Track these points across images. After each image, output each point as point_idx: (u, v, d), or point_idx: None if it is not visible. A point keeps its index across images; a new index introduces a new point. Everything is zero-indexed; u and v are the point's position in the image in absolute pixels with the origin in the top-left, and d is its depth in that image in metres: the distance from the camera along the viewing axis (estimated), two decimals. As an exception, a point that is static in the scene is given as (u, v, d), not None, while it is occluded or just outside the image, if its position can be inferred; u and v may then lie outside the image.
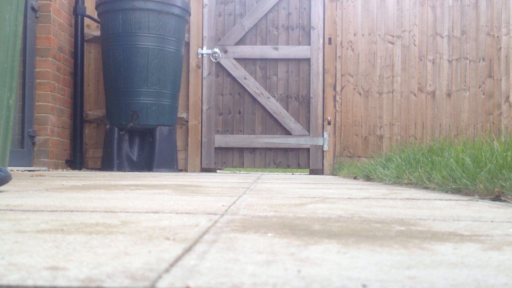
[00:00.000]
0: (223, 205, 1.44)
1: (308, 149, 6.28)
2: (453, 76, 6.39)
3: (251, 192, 2.09)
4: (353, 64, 6.40)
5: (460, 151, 2.73)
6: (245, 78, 6.20)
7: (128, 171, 5.43)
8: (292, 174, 6.72)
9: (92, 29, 6.23)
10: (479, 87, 6.37)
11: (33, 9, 5.32)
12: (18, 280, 0.54)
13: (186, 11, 5.80)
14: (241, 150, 6.24)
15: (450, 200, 1.81)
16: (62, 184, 2.49)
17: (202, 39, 6.22)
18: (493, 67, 6.36)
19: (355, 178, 4.22)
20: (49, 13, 5.45)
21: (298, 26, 6.36)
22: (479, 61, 6.38)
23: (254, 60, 6.26)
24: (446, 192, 2.24)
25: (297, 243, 0.82)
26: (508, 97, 6.33)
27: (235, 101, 6.27)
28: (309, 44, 6.28)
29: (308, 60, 6.27)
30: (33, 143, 5.39)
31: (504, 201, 1.76)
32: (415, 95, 6.39)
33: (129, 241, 0.80)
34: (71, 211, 1.23)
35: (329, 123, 6.26)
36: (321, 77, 6.28)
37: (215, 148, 6.21)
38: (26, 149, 5.27)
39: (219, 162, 6.25)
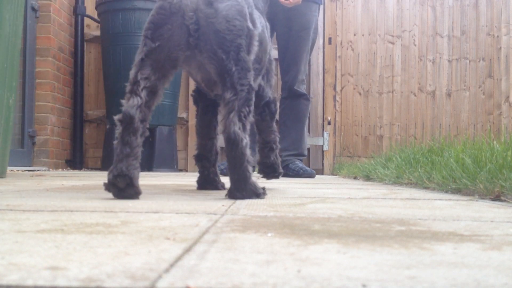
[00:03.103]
0: (223, 205, 1.44)
1: (308, 149, 6.27)
2: (453, 76, 6.40)
3: (251, 192, 2.08)
4: (353, 64, 6.40)
5: (460, 151, 2.73)
6: (245, 78, 6.20)
7: (128, 171, 5.42)
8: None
9: (92, 29, 6.23)
10: (479, 87, 6.37)
11: (33, 9, 5.32)
12: (18, 280, 0.54)
13: (186, 11, 5.80)
14: (241, 150, 6.24)
15: (450, 200, 1.81)
16: (62, 184, 2.49)
17: (202, 39, 6.22)
18: (493, 67, 6.36)
19: (355, 178, 4.22)
20: (49, 13, 5.45)
21: (298, 26, 6.35)
22: (479, 61, 6.39)
23: (254, 60, 6.26)
24: (446, 192, 2.24)
25: (297, 243, 0.82)
26: (508, 97, 6.34)
27: (235, 101, 6.27)
28: (309, 44, 6.27)
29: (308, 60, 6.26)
30: (33, 143, 5.39)
31: (504, 201, 1.76)
32: (415, 95, 6.39)
33: (129, 241, 0.80)
34: (71, 211, 1.23)
35: (329, 123, 6.26)
36: (321, 77, 6.28)
37: (215, 148, 6.21)
38: (26, 149, 5.27)
39: (219, 162, 6.25)
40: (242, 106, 1.63)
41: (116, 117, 1.62)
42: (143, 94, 1.62)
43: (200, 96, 2.10)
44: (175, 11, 1.67)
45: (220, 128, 1.74)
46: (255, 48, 1.77)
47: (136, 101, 1.60)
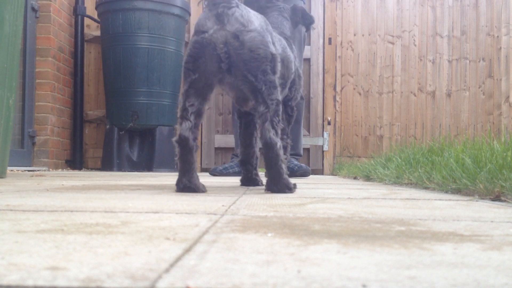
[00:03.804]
0: (223, 205, 1.44)
1: (308, 149, 6.28)
2: (453, 76, 6.40)
3: (251, 192, 2.09)
4: (353, 64, 6.40)
5: (460, 151, 2.73)
6: (245, 78, 6.20)
7: (128, 171, 5.43)
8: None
9: (92, 29, 6.23)
10: (479, 87, 6.37)
11: (33, 9, 5.32)
12: (18, 280, 0.54)
13: (186, 11, 5.80)
14: (241, 150, 6.23)
15: (450, 200, 1.81)
16: (62, 184, 2.49)
17: (202, 39, 6.21)
18: (493, 67, 6.36)
19: (355, 178, 4.22)
20: (49, 13, 5.45)
21: (298, 26, 6.35)
22: (479, 61, 6.39)
23: (254, 60, 6.25)
24: (446, 192, 2.24)
25: (297, 243, 0.82)
26: (508, 97, 6.34)
27: (235, 101, 6.27)
28: (309, 44, 6.28)
29: (308, 60, 6.27)
30: (33, 143, 5.39)
31: (504, 201, 1.76)
32: (415, 95, 6.39)
33: (129, 241, 0.80)
34: (71, 211, 1.23)
35: (329, 123, 6.26)
36: (321, 77, 6.28)
37: (215, 148, 6.21)
38: (26, 149, 5.27)
39: (219, 162, 6.26)
40: (273, 116, 2.00)
41: (174, 139, 2.00)
42: (192, 118, 1.99)
43: (242, 112, 2.53)
44: (207, 44, 1.98)
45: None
46: (279, 68, 2.10)
47: (187, 124, 1.97)
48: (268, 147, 1.96)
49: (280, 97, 2.06)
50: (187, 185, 1.97)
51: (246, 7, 2.08)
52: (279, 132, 2.01)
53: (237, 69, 1.99)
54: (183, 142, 1.95)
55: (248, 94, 2.05)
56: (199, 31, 2.00)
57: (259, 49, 1.99)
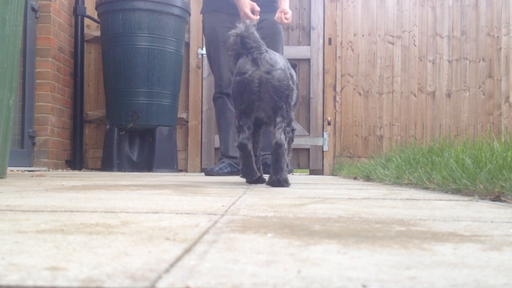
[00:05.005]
0: (223, 205, 1.44)
1: (308, 150, 6.28)
2: (453, 77, 6.40)
3: (251, 192, 2.09)
4: (353, 64, 6.40)
5: (460, 152, 2.73)
6: (245, 79, 6.19)
7: (128, 172, 5.43)
8: (292, 174, 6.71)
9: (92, 29, 6.23)
10: (479, 88, 6.37)
11: (33, 9, 5.32)
12: (18, 280, 0.54)
13: (186, 11, 5.80)
14: (241, 150, 6.23)
15: (450, 200, 1.81)
16: (62, 185, 2.49)
17: (202, 39, 6.22)
18: (493, 67, 6.36)
19: (355, 178, 4.22)
20: (49, 13, 5.45)
21: (298, 27, 6.36)
22: (479, 62, 6.39)
23: (254, 61, 6.25)
24: (446, 192, 2.24)
25: (297, 243, 0.82)
26: (508, 97, 6.34)
27: (235, 101, 6.26)
28: (309, 45, 6.28)
29: (308, 60, 6.27)
30: (33, 143, 5.39)
31: (504, 201, 1.76)
32: (415, 96, 6.39)
33: (129, 242, 0.80)
34: (71, 211, 1.23)
35: (329, 124, 6.26)
36: (321, 78, 6.28)
37: (215, 148, 6.21)
38: (26, 149, 5.27)
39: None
40: (286, 127, 2.62)
41: (236, 144, 2.69)
42: (246, 130, 2.66)
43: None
44: (248, 82, 2.64)
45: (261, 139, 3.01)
46: (294, 98, 2.78)
47: (244, 135, 2.65)
48: (278, 145, 2.55)
49: (293, 117, 2.75)
50: (254, 178, 2.71)
51: (272, 51, 2.75)
52: (287, 140, 2.63)
53: (266, 93, 2.64)
54: (243, 147, 2.62)
55: (271, 111, 2.67)
56: (240, 72, 2.65)
57: (284, 81, 2.65)
